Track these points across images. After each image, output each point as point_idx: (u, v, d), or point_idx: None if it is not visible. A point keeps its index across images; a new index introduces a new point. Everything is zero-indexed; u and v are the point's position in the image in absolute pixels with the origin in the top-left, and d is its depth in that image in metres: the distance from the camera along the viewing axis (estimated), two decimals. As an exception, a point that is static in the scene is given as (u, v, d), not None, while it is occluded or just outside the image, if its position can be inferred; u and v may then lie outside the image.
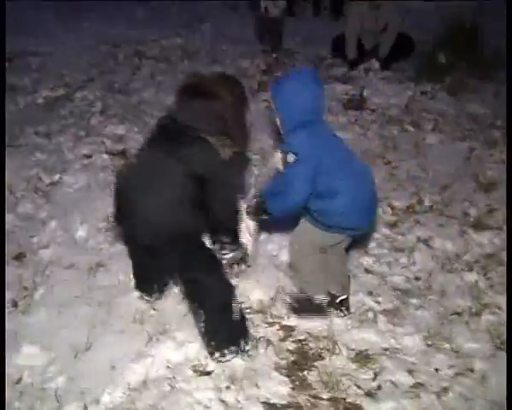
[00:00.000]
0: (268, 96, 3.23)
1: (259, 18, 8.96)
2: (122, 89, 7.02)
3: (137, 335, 3.15)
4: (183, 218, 2.87)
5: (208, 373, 2.93)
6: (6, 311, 3.30)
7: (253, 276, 3.64)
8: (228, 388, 2.84)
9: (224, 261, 3.38)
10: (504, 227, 4.08)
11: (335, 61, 8.14)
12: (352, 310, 3.38)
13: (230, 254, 3.49)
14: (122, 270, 3.62)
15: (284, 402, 2.77)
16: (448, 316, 3.35)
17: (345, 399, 2.80)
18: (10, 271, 3.64)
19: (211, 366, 2.97)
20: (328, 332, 3.20)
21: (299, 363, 3.01)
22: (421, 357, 3.06)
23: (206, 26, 10.38)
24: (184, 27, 10.18)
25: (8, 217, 4.17)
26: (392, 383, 2.89)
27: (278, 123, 3.07)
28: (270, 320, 3.31)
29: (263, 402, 2.76)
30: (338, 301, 3.35)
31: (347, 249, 3.46)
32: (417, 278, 3.70)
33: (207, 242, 3.35)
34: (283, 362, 3.02)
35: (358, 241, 3.95)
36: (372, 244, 4.02)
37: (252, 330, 3.17)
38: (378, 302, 3.47)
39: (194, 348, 3.06)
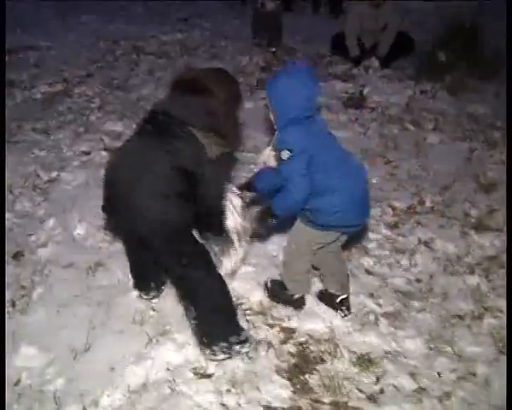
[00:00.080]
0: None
1: (256, 12, 8.94)
2: (121, 85, 6.99)
3: (137, 336, 3.12)
4: (169, 210, 2.83)
5: (209, 376, 2.90)
6: (5, 311, 3.26)
7: (254, 277, 3.61)
8: (228, 391, 2.81)
9: (213, 254, 3.27)
10: (505, 229, 4.05)
11: (335, 59, 8.13)
12: (353, 312, 3.37)
13: (217, 248, 3.40)
14: (121, 269, 3.59)
15: (285, 406, 2.75)
16: (450, 319, 3.33)
17: (347, 403, 2.77)
18: (8, 270, 3.60)
19: (211, 368, 2.94)
20: (330, 335, 3.18)
21: (300, 366, 2.99)
22: (423, 361, 3.04)
23: (205, 22, 10.36)
24: (183, 23, 10.15)
25: (6, 215, 4.13)
26: (395, 387, 2.87)
27: (272, 119, 3.06)
28: (271, 322, 3.28)
29: (264, 406, 2.74)
30: (338, 300, 3.35)
31: (344, 247, 3.46)
32: (418, 281, 3.68)
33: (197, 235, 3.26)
34: (284, 365, 2.99)
35: (358, 241, 3.95)
36: (373, 245, 3.99)
37: (252, 332, 3.16)
38: (379, 305, 3.45)
39: (195, 350, 3.03)
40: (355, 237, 3.99)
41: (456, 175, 4.87)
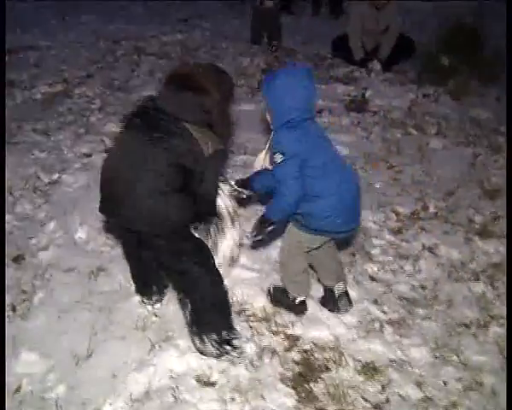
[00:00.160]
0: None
1: (255, 10, 8.97)
2: (122, 86, 6.94)
3: (139, 342, 3.09)
4: (170, 207, 2.85)
5: (212, 384, 2.87)
6: (5, 316, 3.23)
7: (257, 282, 3.58)
8: (233, 399, 2.78)
9: (210, 238, 3.31)
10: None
11: (336, 61, 8.10)
12: (358, 319, 3.34)
13: (213, 231, 3.36)
14: (123, 274, 3.54)
15: (290, 415, 2.72)
16: (455, 327, 3.30)
17: (352, 412, 2.74)
18: (9, 273, 3.57)
19: (215, 376, 2.92)
20: (334, 342, 3.15)
21: (304, 374, 2.95)
22: (428, 369, 3.01)
23: (205, 22, 10.33)
24: (183, 24, 10.12)
25: (7, 217, 4.09)
26: (400, 396, 2.84)
27: (269, 118, 3.06)
28: (275, 329, 3.24)
29: (269, 415, 2.70)
30: (337, 296, 3.35)
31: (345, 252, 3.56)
32: (423, 287, 3.65)
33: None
34: (289, 373, 2.96)
35: (362, 247, 3.92)
36: (376, 251, 3.96)
37: (256, 339, 3.15)
38: (384, 312, 3.41)
39: (198, 357, 3.00)
40: (358, 243, 3.99)
41: (460, 181, 4.83)
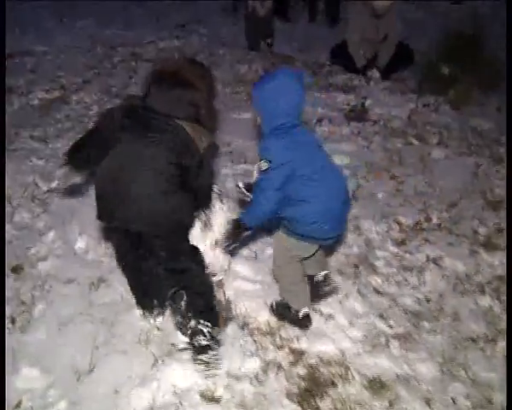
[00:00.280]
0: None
1: (248, 18, 8.96)
2: (119, 93, 6.85)
3: (142, 356, 3.04)
4: (169, 203, 2.88)
5: (217, 400, 2.83)
6: (5, 328, 3.16)
7: (260, 295, 3.54)
8: (238, 415, 2.73)
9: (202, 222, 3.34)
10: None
11: (334, 69, 8.04)
12: (364, 333, 3.30)
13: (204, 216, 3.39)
14: (124, 285, 3.45)
15: (297, 432, 2.67)
16: (462, 342, 3.26)
17: (360, 430, 2.70)
18: (8, 284, 3.50)
19: (219, 391, 2.87)
20: (340, 357, 3.11)
21: (310, 390, 2.90)
22: (436, 385, 2.97)
23: (202, 28, 10.29)
24: (181, 29, 10.07)
25: (5, 227, 4.01)
26: (409, 413, 2.79)
27: (259, 122, 3.07)
28: (279, 343, 3.19)
29: (275, 432, 2.66)
30: (320, 279, 3.38)
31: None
32: (428, 300, 3.61)
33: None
34: (294, 388, 2.91)
35: (366, 260, 3.88)
36: (380, 263, 3.92)
37: (261, 353, 3.10)
38: (390, 326, 3.37)
39: (202, 372, 2.94)
40: (362, 254, 3.95)
41: (463, 191, 4.79)
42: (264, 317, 3.36)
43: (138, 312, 3.31)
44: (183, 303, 3.05)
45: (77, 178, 3.26)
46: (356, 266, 3.86)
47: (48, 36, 8.99)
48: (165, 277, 3.14)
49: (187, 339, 3.06)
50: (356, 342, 3.23)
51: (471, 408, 2.82)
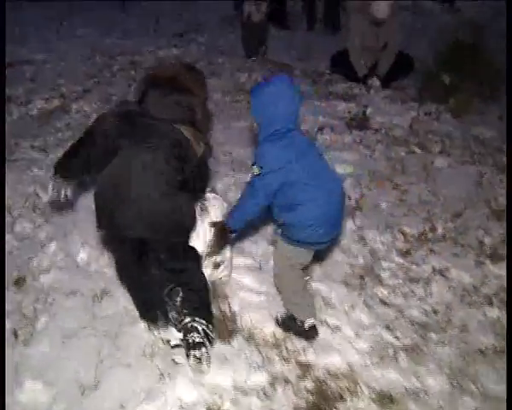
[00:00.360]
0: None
1: (243, 24, 8.98)
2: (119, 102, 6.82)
3: (148, 370, 2.99)
4: (174, 204, 2.94)
5: (224, 415, 2.78)
6: (7, 342, 3.09)
7: (265, 306, 3.50)
8: (246, 431, 2.69)
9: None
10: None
11: (334, 77, 8.00)
12: (371, 345, 3.26)
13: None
14: (127, 297, 3.40)
15: (306, 449, 2.63)
16: (471, 354, 3.22)
17: (370, 446, 2.66)
18: (10, 297, 3.45)
19: (226, 405, 2.84)
20: (348, 370, 3.07)
21: (319, 404, 2.86)
22: (446, 399, 2.93)
23: (200, 37, 10.27)
24: (179, 38, 10.05)
25: (6, 237, 3.96)
26: (420, 428, 2.75)
27: (255, 127, 3.12)
28: (286, 355, 3.15)
29: (284, 448, 2.61)
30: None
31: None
32: (435, 312, 3.57)
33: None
34: (302, 403, 2.87)
35: (371, 271, 3.84)
36: (386, 274, 3.88)
37: (267, 366, 3.05)
38: (397, 337, 3.33)
39: (209, 386, 2.91)
40: (367, 265, 3.91)
41: (467, 200, 4.75)
42: (270, 329, 3.32)
43: (143, 324, 3.27)
44: (178, 299, 3.11)
45: (67, 190, 3.18)
46: (361, 277, 3.82)
47: (47, 44, 8.96)
48: (164, 275, 3.16)
49: (181, 335, 3.07)
50: (363, 354, 3.19)
51: (482, 423, 2.79)
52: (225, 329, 3.28)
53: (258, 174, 2.91)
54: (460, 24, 8.03)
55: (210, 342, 3.03)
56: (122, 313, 3.37)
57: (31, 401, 2.81)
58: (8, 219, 4.19)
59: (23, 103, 6.61)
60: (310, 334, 3.27)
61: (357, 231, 4.30)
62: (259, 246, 4.04)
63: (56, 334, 3.21)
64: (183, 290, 3.10)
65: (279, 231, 3.17)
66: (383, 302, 3.63)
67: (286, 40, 9.85)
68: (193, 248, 3.22)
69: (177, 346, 3.11)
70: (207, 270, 3.45)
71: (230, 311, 3.44)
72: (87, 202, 4.33)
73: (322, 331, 3.32)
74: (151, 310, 3.27)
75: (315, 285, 3.69)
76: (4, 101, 5.89)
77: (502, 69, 6.18)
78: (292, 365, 3.09)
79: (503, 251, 4.09)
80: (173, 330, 3.14)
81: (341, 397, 2.90)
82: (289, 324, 3.32)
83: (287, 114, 2.95)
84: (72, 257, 3.87)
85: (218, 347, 3.15)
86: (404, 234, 4.31)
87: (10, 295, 3.48)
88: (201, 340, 2.98)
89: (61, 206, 4.03)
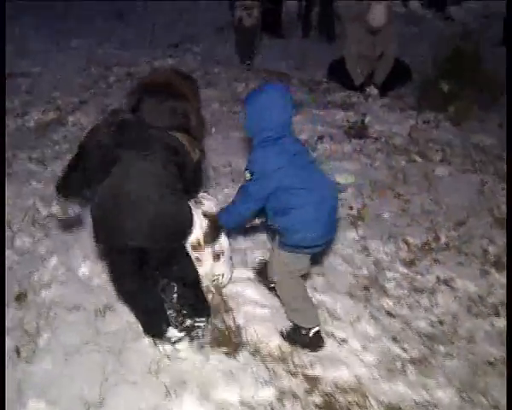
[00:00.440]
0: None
1: (236, 30, 9.10)
2: (116, 113, 6.78)
3: (154, 387, 2.93)
4: (175, 208, 2.98)
5: (233, 432, 2.73)
6: (8, 359, 3.05)
7: (270, 319, 3.45)
8: (255, 448, 2.64)
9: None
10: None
11: (332, 86, 7.99)
12: (378, 358, 3.23)
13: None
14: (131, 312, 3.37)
15: None
16: (480, 366, 3.19)
17: None
18: (11, 313, 3.40)
19: (235, 422, 2.78)
20: (356, 383, 3.03)
21: (328, 419, 2.82)
22: (458, 413, 2.88)
23: (195, 46, 10.26)
24: (174, 49, 10.03)
25: (6, 252, 3.90)
26: (432, 444, 2.71)
27: (248, 134, 3.20)
28: (293, 369, 3.11)
29: None
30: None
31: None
32: (442, 322, 3.53)
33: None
34: (312, 418, 2.82)
35: (376, 282, 3.81)
36: (391, 284, 3.84)
37: (274, 381, 3.00)
38: (404, 349, 3.30)
39: (215, 402, 2.87)
40: (371, 275, 3.88)
41: (470, 209, 4.72)
42: (276, 342, 3.28)
43: (147, 339, 3.21)
44: (174, 296, 3.21)
45: (74, 207, 3.15)
46: (366, 288, 3.78)
47: (42, 56, 8.89)
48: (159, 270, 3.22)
49: (182, 334, 3.18)
50: (371, 367, 3.15)
51: (494, 438, 2.75)
52: (230, 343, 3.23)
53: (250, 179, 2.96)
54: (454, 31, 8.05)
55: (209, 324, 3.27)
56: (126, 328, 3.31)
57: (33, 420, 2.75)
58: (7, 233, 4.13)
59: (19, 115, 6.56)
60: (315, 342, 3.25)
61: (360, 241, 4.27)
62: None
63: (59, 351, 3.15)
64: (178, 286, 3.20)
65: (276, 238, 3.21)
66: (389, 314, 3.59)
67: (281, 49, 9.84)
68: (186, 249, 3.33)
69: (179, 340, 3.18)
70: (208, 262, 3.50)
71: (235, 324, 3.39)
72: (87, 215, 4.30)
73: (329, 344, 3.28)
74: (155, 322, 3.24)
75: (319, 297, 3.64)
76: (4, 112, 5.83)
77: (500, 76, 6.18)
78: (299, 379, 3.05)
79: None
80: (174, 331, 3.18)
81: (351, 412, 2.86)
82: (294, 336, 3.28)
83: (279, 121, 2.99)
84: (73, 271, 3.82)
85: (224, 361, 3.11)
86: (407, 244, 4.27)
87: (11, 311, 3.43)
88: (204, 333, 3.22)
89: (71, 223, 4.02)
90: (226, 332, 3.31)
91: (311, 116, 6.59)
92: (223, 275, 3.61)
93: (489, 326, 3.48)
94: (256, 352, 3.20)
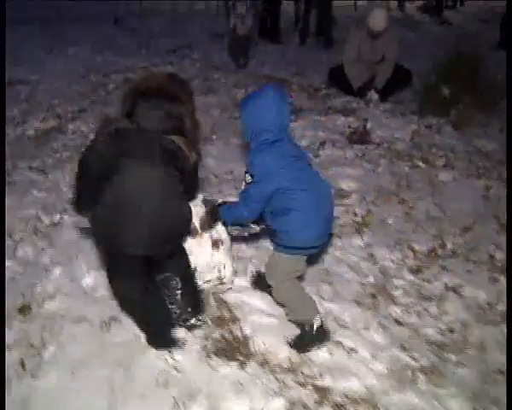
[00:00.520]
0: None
1: (230, 37, 9.33)
2: (116, 120, 6.75)
3: (162, 400, 2.88)
4: (181, 213, 3.02)
5: (243, 446, 2.69)
6: (13, 373, 3.01)
7: (278, 329, 3.40)
8: None
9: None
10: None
11: (332, 92, 8.00)
12: (388, 367, 3.17)
13: None
14: (137, 323, 3.33)
15: None
16: (492, 375, 3.14)
17: None
18: (15, 325, 3.36)
19: (245, 436, 2.73)
20: (367, 394, 2.98)
21: (340, 431, 2.77)
22: (470, 423, 2.84)
23: (193, 53, 10.26)
24: (173, 55, 10.02)
25: (8, 263, 3.87)
26: (446, 455, 2.67)
27: (245, 138, 3.23)
28: (303, 380, 3.06)
29: None
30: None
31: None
32: (451, 331, 3.48)
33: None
34: (323, 430, 2.77)
35: (384, 289, 3.77)
36: (398, 292, 3.80)
37: (284, 392, 2.96)
38: (414, 358, 3.24)
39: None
40: (379, 283, 3.84)
41: (476, 215, 4.68)
42: (284, 352, 3.23)
43: (154, 351, 3.17)
44: (178, 293, 3.26)
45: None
46: (374, 296, 3.74)
47: (40, 64, 8.90)
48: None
49: (183, 329, 3.31)
50: (381, 376, 3.10)
51: (510, 449, 2.70)
52: (239, 354, 3.19)
53: (251, 182, 3.01)
54: (452, 35, 8.05)
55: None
56: (132, 340, 3.27)
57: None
58: (9, 243, 4.09)
59: (19, 124, 6.54)
60: (322, 335, 3.25)
61: (366, 249, 4.23)
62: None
63: (65, 364, 3.10)
64: (178, 281, 3.27)
65: (274, 239, 3.26)
66: (397, 322, 3.54)
67: (280, 55, 9.89)
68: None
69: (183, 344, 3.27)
70: (208, 248, 3.50)
71: (242, 334, 3.35)
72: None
73: (338, 354, 3.24)
74: (161, 335, 3.22)
75: (326, 305, 3.60)
76: (4, 121, 5.78)
77: (498, 80, 6.17)
78: (309, 390, 3.00)
79: (516, 266, 4.03)
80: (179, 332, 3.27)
81: (363, 423, 2.82)
82: (301, 340, 3.27)
83: (276, 123, 3.03)
84: (77, 282, 3.76)
85: (233, 373, 3.06)
86: (413, 251, 4.23)
87: (16, 323, 3.38)
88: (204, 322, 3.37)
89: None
90: (234, 343, 3.27)
91: (312, 122, 6.57)
92: (224, 266, 3.56)
93: (499, 334, 3.43)
94: (265, 362, 3.16)
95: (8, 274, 3.76)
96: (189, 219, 3.11)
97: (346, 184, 5.08)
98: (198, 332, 3.33)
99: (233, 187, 5.09)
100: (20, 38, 10.27)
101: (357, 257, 4.13)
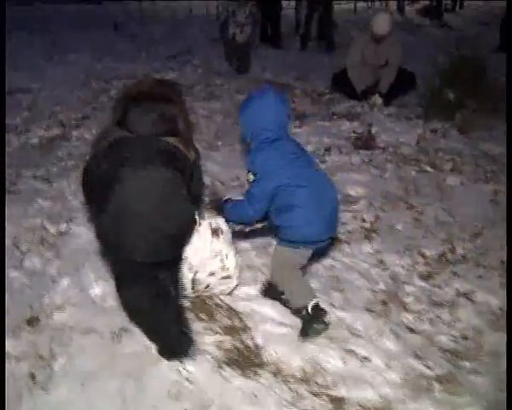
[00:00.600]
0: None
1: (228, 43, 9.36)
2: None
3: (175, 413, 2.84)
4: (187, 215, 3.02)
5: (260, 459, 2.64)
6: (25, 386, 2.97)
7: (290, 339, 3.36)
8: None
9: None
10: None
11: (335, 96, 8.00)
12: (403, 376, 3.13)
13: None
14: (147, 334, 3.29)
15: None
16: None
17: None
18: (24, 337, 3.30)
19: (260, 448, 2.69)
20: (382, 404, 2.94)
21: (356, 442, 2.73)
22: (488, 433, 2.80)
23: (194, 58, 10.25)
24: (173, 61, 10.01)
25: (15, 274, 3.83)
26: None
27: (244, 138, 3.33)
28: (316, 390, 3.01)
29: None
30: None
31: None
32: (465, 338, 3.44)
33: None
34: (339, 441, 2.73)
35: (395, 296, 3.73)
36: (410, 299, 3.76)
37: (298, 402, 2.92)
38: (428, 367, 3.20)
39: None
40: (390, 290, 3.80)
41: (485, 220, 4.65)
42: (297, 362, 3.18)
43: (165, 362, 3.12)
44: (175, 305, 3.22)
45: None
46: (385, 303, 3.70)
47: (40, 71, 8.88)
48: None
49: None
50: (396, 386, 3.06)
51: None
52: (251, 364, 3.15)
53: (253, 181, 3.12)
54: (452, 38, 8.03)
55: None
56: (143, 351, 3.22)
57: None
58: (16, 253, 4.05)
59: (22, 132, 6.50)
60: (317, 314, 3.28)
61: (375, 255, 4.19)
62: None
63: (75, 376, 3.04)
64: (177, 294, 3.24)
65: (278, 234, 3.36)
66: (410, 329, 3.50)
67: (282, 60, 9.89)
68: None
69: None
70: (207, 234, 3.41)
71: (254, 344, 3.31)
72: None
73: (352, 363, 3.20)
74: (172, 345, 3.17)
75: (338, 313, 3.56)
76: (4, 130, 5.74)
77: (499, 83, 6.15)
78: (323, 400, 2.96)
79: (528, 271, 3.99)
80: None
81: (379, 434, 2.78)
82: (302, 328, 3.33)
83: (275, 122, 3.15)
84: (85, 292, 3.71)
85: (246, 383, 3.02)
86: (423, 256, 4.20)
87: (24, 335, 3.33)
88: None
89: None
90: (245, 352, 3.23)
91: (317, 128, 6.54)
92: (227, 256, 3.48)
93: (514, 341, 3.40)
94: (277, 372, 3.11)
95: (15, 286, 3.72)
96: (194, 219, 3.13)
97: (353, 190, 5.05)
98: (209, 339, 3.30)
99: (239, 194, 5.04)
100: (17, 45, 10.24)
101: (367, 264, 4.09)
